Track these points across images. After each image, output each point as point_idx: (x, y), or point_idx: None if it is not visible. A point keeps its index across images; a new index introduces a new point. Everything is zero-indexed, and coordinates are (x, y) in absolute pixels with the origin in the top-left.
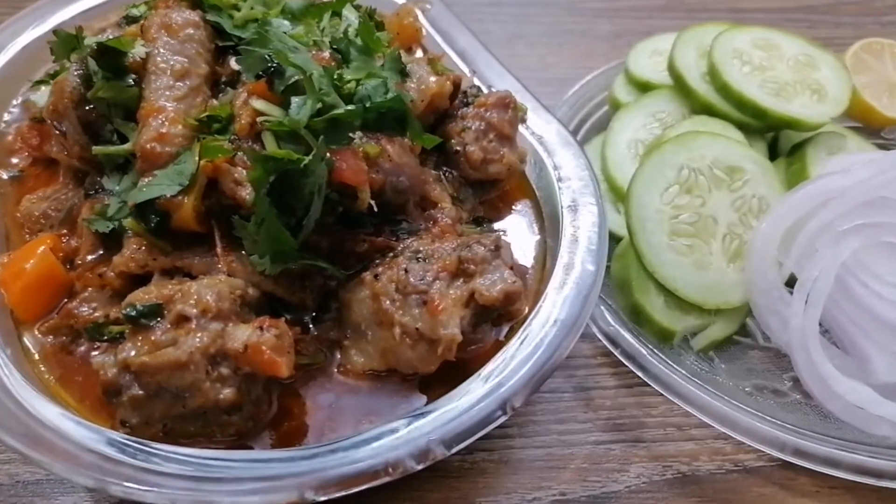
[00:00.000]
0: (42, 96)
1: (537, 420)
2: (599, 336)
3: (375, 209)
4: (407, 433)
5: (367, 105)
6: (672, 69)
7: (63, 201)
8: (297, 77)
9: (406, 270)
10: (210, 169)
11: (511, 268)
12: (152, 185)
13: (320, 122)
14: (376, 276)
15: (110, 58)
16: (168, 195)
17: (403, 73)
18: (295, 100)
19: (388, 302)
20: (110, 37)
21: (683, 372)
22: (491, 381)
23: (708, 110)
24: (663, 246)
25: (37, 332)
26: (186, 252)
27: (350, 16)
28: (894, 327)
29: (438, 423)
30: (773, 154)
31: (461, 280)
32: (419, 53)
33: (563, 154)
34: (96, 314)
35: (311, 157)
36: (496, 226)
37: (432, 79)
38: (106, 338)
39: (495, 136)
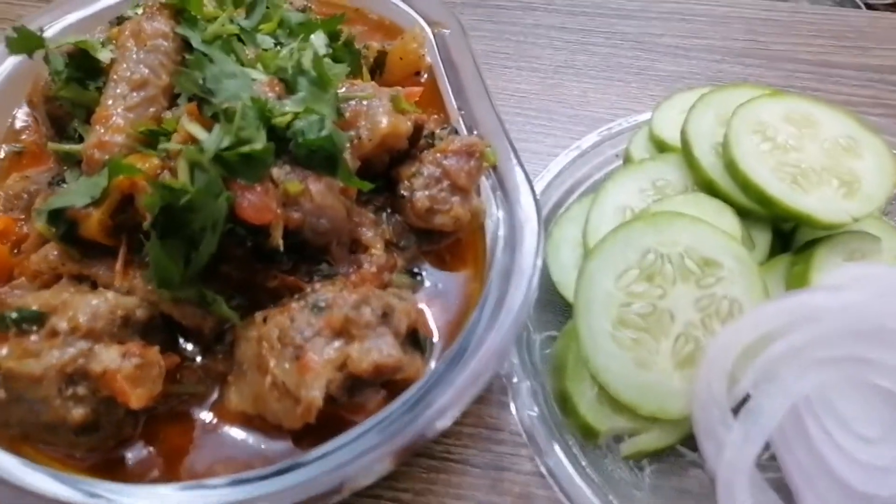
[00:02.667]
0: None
1: (435, 490)
2: (515, 418)
3: (282, 248)
4: (234, 493)
5: (299, 140)
6: (683, 133)
7: (36, 180)
8: (226, 105)
9: (292, 319)
10: (126, 185)
11: (415, 336)
12: (67, 193)
13: (233, 155)
14: (265, 319)
15: (81, 58)
16: (77, 206)
17: (340, 114)
18: (214, 129)
19: (267, 348)
20: (99, 36)
21: (594, 477)
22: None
23: (709, 187)
24: (604, 333)
25: None
26: (96, 261)
27: (317, 42)
28: (847, 488)
29: (276, 487)
30: (785, 246)
31: (342, 341)
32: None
33: (520, 210)
34: (22, 301)
35: (195, 191)
36: (433, 278)
37: (385, 119)
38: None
39: (449, 185)
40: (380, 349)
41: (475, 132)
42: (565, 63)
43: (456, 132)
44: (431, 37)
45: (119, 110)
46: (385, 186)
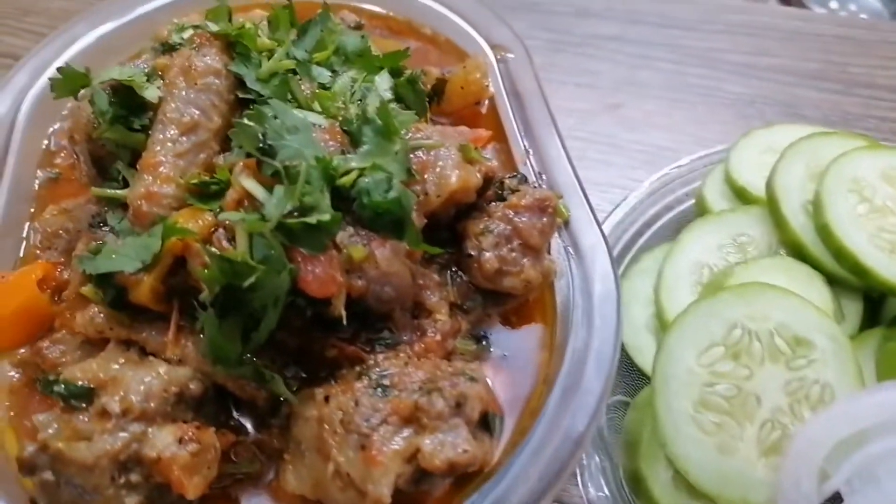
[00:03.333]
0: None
1: None
2: (582, 493)
3: (345, 321)
4: None
5: (364, 201)
6: (770, 187)
7: (78, 222)
8: (287, 163)
9: (356, 403)
10: (178, 247)
11: (485, 418)
12: (116, 254)
13: (297, 223)
14: (327, 399)
15: (126, 95)
16: (127, 271)
17: (410, 173)
18: (276, 192)
19: (329, 432)
20: (144, 68)
21: None
22: None
23: (798, 250)
24: (684, 415)
25: (7, 363)
26: (146, 326)
27: (381, 85)
28: None
29: None
30: (873, 316)
31: (411, 430)
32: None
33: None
34: (64, 358)
35: (259, 273)
36: (499, 343)
37: (454, 174)
38: (53, 396)
39: (520, 244)
40: (454, 444)
41: (543, 176)
42: (626, 79)
43: (525, 180)
44: (494, 63)
45: (168, 157)
46: (449, 240)
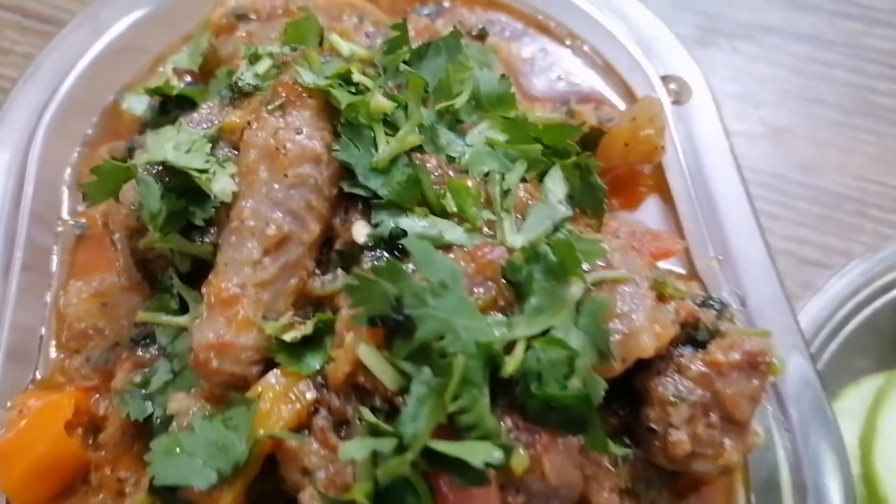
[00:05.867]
0: (139, 102)
1: None
2: None
3: None
4: None
5: (533, 389)
6: None
7: (113, 312)
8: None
9: None
10: (269, 447)
11: None
12: (181, 450)
13: (447, 450)
14: None
15: (184, 182)
16: (198, 488)
17: (604, 355)
18: (415, 392)
19: None
20: (205, 128)
21: None
22: None
23: None
24: None
25: None
26: None
27: (554, 190)
28: None
29: None
30: None
31: None
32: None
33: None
34: None
35: None
36: None
37: (648, 332)
38: None
39: (720, 417)
40: None
41: (739, 293)
42: (793, 91)
43: (724, 311)
44: (667, 104)
45: (248, 289)
46: (619, 392)
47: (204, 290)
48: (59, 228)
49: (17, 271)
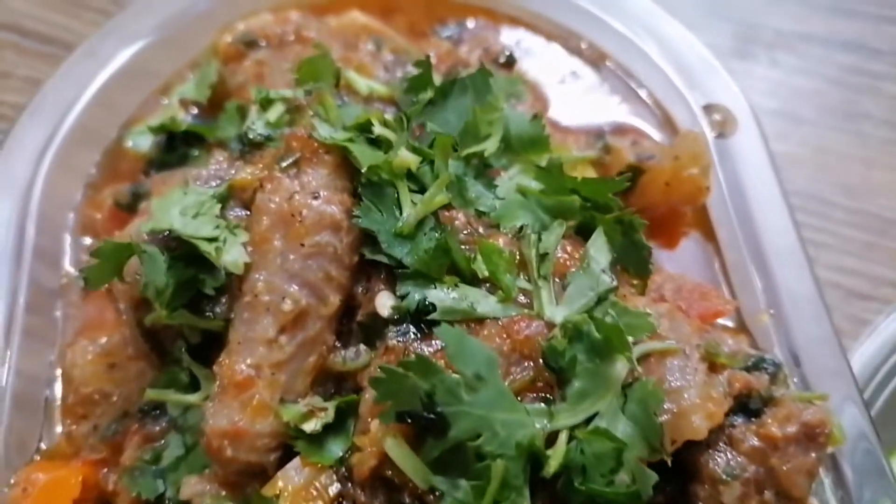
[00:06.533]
0: (144, 138)
1: None
2: None
3: None
4: None
5: (577, 485)
6: None
7: (122, 375)
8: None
9: None
10: None
11: None
12: None
13: None
14: None
15: (191, 253)
16: None
17: (655, 448)
18: (447, 498)
19: None
20: (214, 186)
21: None
22: None
23: None
24: None
25: None
26: None
27: (597, 258)
28: None
29: None
30: None
31: None
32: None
33: None
34: None
35: None
36: None
37: (700, 412)
38: None
39: (775, 494)
40: None
41: (793, 353)
42: (840, 109)
43: (777, 373)
44: (710, 138)
45: (263, 370)
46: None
47: (216, 369)
48: (63, 281)
49: (20, 331)
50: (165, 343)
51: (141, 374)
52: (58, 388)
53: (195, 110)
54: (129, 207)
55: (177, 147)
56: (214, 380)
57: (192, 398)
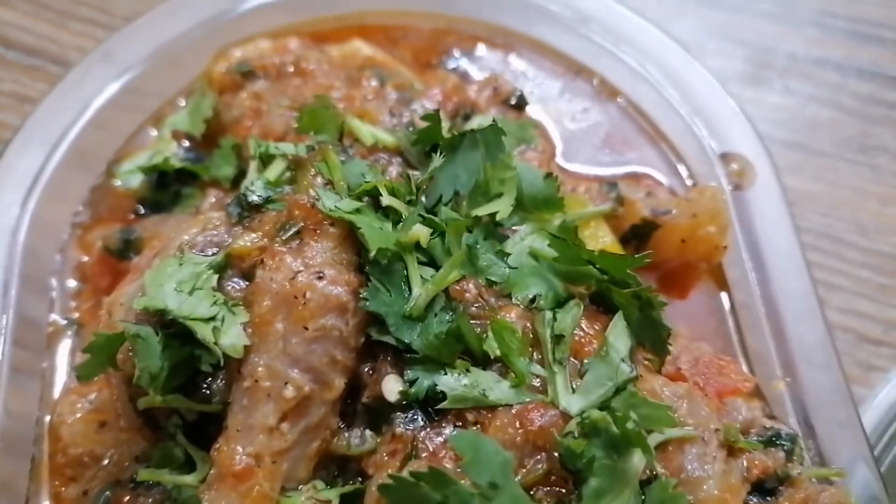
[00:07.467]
0: (135, 175)
1: None
2: None
3: None
4: None
5: None
6: None
7: (113, 436)
8: None
9: None
10: None
11: None
12: None
13: None
14: None
15: (186, 335)
16: None
17: None
18: None
19: None
20: (211, 255)
21: None
22: None
23: None
24: None
25: None
26: None
27: (618, 345)
28: None
29: None
30: None
31: None
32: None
33: None
34: None
35: None
36: None
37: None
38: None
39: None
40: None
41: (812, 424)
42: (856, 140)
43: (793, 445)
44: (726, 190)
45: (263, 460)
46: None
47: (214, 454)
48: (50, 330)
49: (4, 384)
50: (159, 419)
51: (133, 440)
52: (45, 445)
53: (187, 143)
54: (119, 253)
55: (169, 184)
56: (211, 464)
57: (187, 479)
